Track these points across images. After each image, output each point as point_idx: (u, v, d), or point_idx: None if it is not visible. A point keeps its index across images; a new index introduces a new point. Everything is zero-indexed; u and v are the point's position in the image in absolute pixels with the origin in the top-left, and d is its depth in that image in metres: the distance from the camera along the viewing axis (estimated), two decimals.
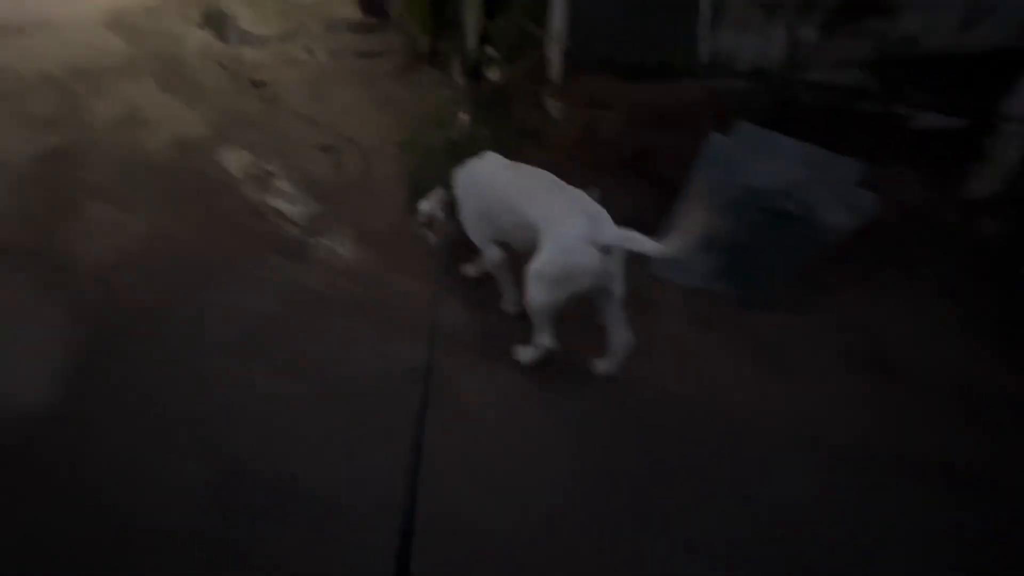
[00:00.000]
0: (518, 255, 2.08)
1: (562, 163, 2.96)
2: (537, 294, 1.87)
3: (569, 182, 2.89)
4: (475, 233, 2.18)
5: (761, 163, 2.05)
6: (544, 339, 1.98)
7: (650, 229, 2.58)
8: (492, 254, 2.16)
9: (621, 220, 2.70)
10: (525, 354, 2.06)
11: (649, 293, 2.37)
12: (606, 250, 1.73)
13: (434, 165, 3.17)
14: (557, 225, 1.78)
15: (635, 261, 2.53)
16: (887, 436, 1.94)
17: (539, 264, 1.83)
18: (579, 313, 2.27)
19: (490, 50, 3.73)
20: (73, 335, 2.16)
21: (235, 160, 3.33)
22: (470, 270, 2.47)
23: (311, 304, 2.34)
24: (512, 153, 2.37)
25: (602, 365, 2.05)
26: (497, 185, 2.05)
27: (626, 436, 1.93)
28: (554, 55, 3.03)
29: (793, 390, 2.03)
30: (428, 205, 2.38)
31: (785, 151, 2.00)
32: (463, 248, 2.50)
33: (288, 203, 2.98)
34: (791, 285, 2.13)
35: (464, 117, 3.32)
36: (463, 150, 3.19)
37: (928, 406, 1.95)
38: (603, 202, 2.76)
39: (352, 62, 4.92)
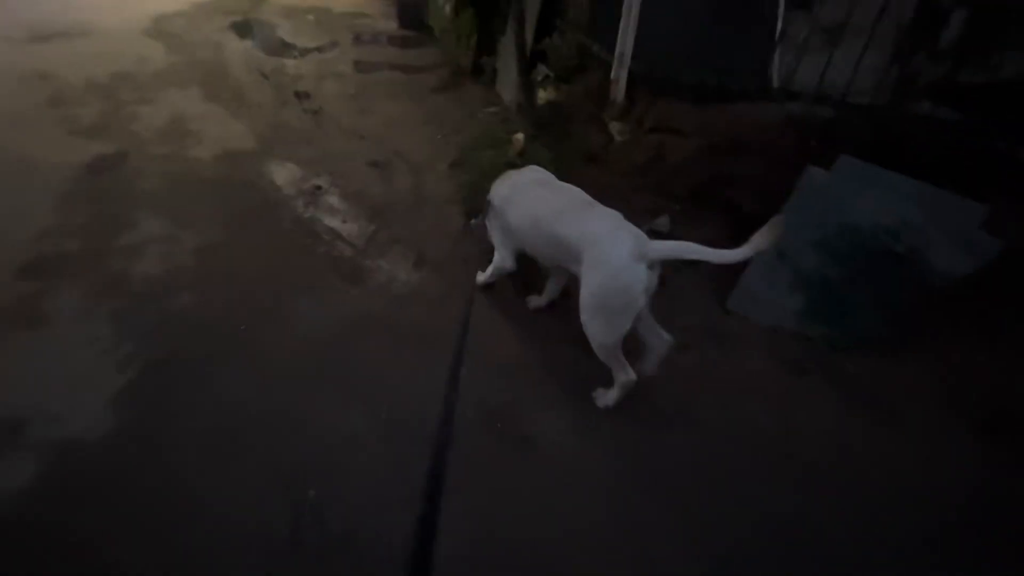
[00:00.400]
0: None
1: (627, 188, 2.86)
2: (601, 330, 1.76)
3: (636, 209, 2.80)
4: (498, 240, 2.13)
5: (865, 200, 1.92)
6: (625, 374, 1.86)
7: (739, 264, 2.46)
8: (508, 264, 2.16)
9: None
10: (607, 398, 1.93)
11: (728, 329, 2.24)
12: (651, 265, 1.66)
13: (490, 186, 3.07)
14: (601, 246, 1.70)
15: (711, 296, 2.42)
16: (994, 498, 1.79)
17: (592, 296, 1.73)
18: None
19: (543, 68, 3.65)
20: (126, 357, 2.06)
21: (284, 174, 3.25)
22: (538, 301, 2.35)
23: (374, 331, 2.22)
24: (573, 176, 2.26)
25: (645, 367, 1.92)
26: (527, 201, 1.98)
27: (708, 480, 1.78)
28: (618, 75, 2.93)
29: (893, 442, 1.89)
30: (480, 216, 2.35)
31: (894, 188, 1.87)
32: (531, 279, 2.39)
33: (341, 221, 2.88)
34: (894, 330, 1.99)
35: (520, 137, 3.22)
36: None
37: None
38: (673, 231, 2.66)
39: (394, 76, 4.87)
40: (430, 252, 2.67)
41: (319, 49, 5.35)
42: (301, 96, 4.32)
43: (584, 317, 1.80)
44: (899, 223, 1.89)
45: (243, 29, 5.66)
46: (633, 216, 2.76)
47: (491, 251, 2.50)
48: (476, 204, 2.99)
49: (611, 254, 1.69)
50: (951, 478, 1.82)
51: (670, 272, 2.50)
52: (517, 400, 2.01)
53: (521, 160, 3.16)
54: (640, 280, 1.67)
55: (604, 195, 2.84)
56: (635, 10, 2.70)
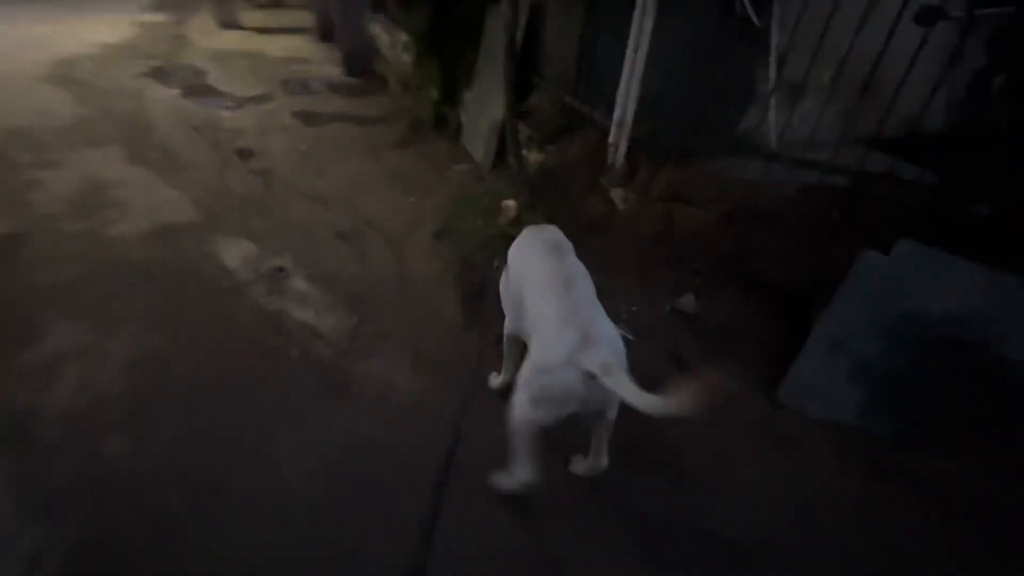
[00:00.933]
0: None
1: (640, 262, 2.62)
2: (516, 408, 1.54)
3: (654, 285, 2.56)
4: (503, 297, 1.86)
5: (930, 286, 1.79)
6: (520, 470, 1.57)
7: (766, 341, 2.25)
8: (509, 328, 1.86)
9: (725, 330, 2.36)
10: (501, 480, 1.65)
11: (785, 427, 2.00)
12: (592, 376, 1.39)
13: (485, 259, 2.74)
14: (545, 337, 1.50)
15: (758, 388, 2.19)
16: None
17: (521, 379, 1.54)
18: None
19: (524, 128, 3.40)
20: (39, 546, 1.49)
21: (235, 253, 2.74)
22: (497, 380, 2.06)
23: (379, 464, 1.78)
24: (575, 247, 1.96)
25: (579, 465, 1.74)
26: (522, 260, 1.76)
27: None
28: (618, 140, 2.73)
29: (983, 557, 1.69)
30: None
31: (959, 273, 1.75)
32: None
33: (314, 312, 2.42)
34: (967, 426, 1.83)
35: (512, 204, 2.93)
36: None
37: None
38: (698, 310, 2.43)
39: (347, 129, 4.47)
40: (429, 349, 2.27)
41: (257, 99, 4.87)
42: (244, 154, 3.81)
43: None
44: (967, 310, 1.76)
45: (166, 75, 5.07)
46: (652, 293, 2.54)
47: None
48: (473, 285, 2.65)
49: (545, 353, 1.48)
50: None
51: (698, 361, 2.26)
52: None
53: (514, 230, 2.86)
54: (569, 387, 1.42)
55: (616, 268, 2.59)
56: (637, 73, 2.53)
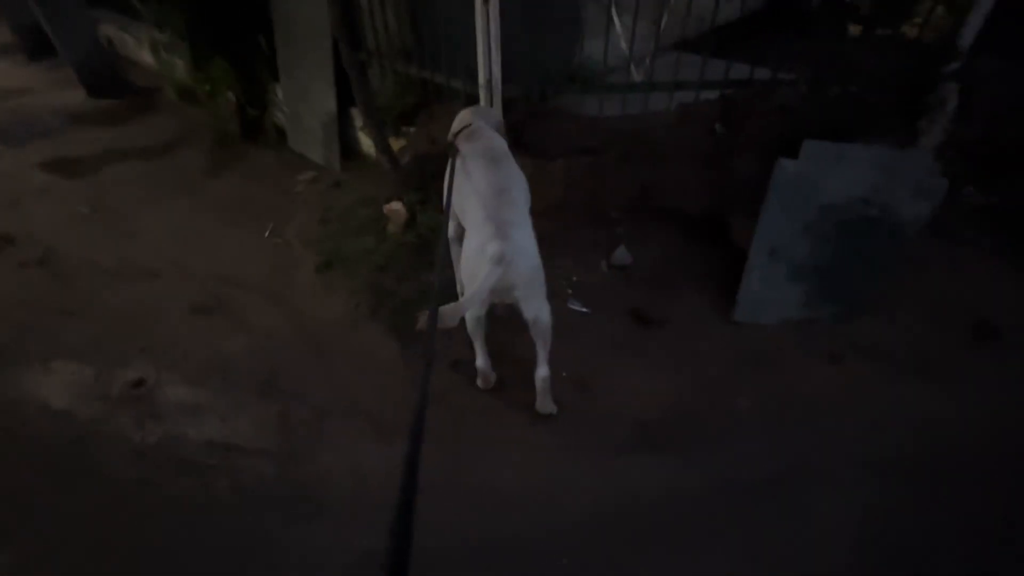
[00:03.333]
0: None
1: (561, 226, 2.46)
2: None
3: (584, 245, 2.42)
4: (446, 203, 1.74)
5: (835, 177, 1.92)
6: (479, 358, 1.88)
7: (702, 268, 2.28)
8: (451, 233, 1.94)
9: (664, 271, 2.32)
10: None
11: (753, 345, 2.06)
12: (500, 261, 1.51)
13: (399, 274, 2.35)
14: (472, 232, 1.69)
15: (715, 319, 2.22)
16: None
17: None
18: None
19: (363, 115, 2.94)
20: None
21: (60, 384, 2.01)
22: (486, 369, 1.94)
23: None
24: None
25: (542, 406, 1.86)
26: (466, 172, 1.79)
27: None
28: (489, 102, 2.46)
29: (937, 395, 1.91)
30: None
31: (856, 159, 1.89)
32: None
33: (218, 420, 1.88)
34: (884, 287, 2.06)
35: (398, 208, 2.54)
36: (424, 244, 2.45)
37: None
38: (633, 260, 2.37)
39: (135, 168, 3.52)
40: (383, 409, 1.91)
41: None
42: (4, 240, 2.77)
43: None
44: (868, 189, 1.93)
45: None
46: (585, 258, 2.42)
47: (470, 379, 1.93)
48: (402, 307, 2.26)
49: (469, 240, 1.68)
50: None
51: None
52: None
53: (416, 234, 2.50)
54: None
55: (542, 243, 2.43)
56: (494, 27, 2.24)
